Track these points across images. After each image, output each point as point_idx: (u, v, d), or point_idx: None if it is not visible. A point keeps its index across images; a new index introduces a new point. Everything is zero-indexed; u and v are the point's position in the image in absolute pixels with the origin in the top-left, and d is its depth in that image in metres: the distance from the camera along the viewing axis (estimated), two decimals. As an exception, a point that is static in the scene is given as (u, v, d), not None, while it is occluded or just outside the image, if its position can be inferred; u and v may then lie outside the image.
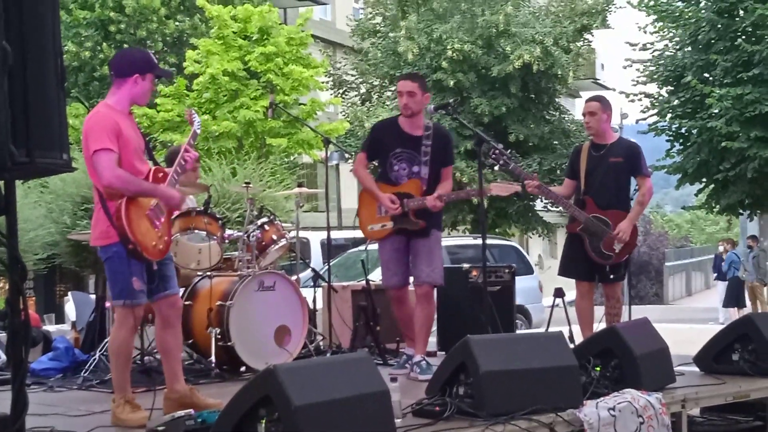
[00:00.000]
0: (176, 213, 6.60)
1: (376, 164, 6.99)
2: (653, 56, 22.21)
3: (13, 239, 3.31)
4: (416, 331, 6.72)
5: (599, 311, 7.38)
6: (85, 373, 6.80)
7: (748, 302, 22.11)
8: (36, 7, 3.34)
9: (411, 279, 6.82)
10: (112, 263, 5.08)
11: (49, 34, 3.41)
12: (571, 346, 6.06)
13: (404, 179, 6.64)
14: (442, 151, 6.70)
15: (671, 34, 22.09)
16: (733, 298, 22.15)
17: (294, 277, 7.96)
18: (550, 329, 7.40)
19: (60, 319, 16.23)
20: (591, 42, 27.49)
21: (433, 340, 8.29)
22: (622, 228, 7.21)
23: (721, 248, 24.27)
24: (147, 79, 5.22)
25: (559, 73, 24.22)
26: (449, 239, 17.55)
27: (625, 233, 7.22)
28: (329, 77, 26.06)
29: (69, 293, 12.63)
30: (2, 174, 3.30)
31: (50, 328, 11.57)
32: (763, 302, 22.11)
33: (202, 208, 7.41)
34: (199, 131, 5.56)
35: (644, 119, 22.72)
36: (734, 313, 21.52)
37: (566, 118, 26.43)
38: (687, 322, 19.54)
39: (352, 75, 26.96)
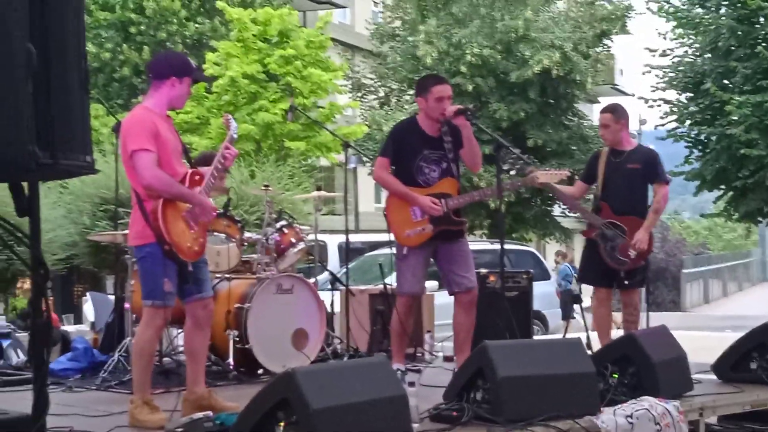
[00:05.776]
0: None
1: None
2: (672, 62, 22.12)
3: (36, 241, 3.32)
4: (462, 339, 6.45)
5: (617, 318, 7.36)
6: (103, 373, 6.84)
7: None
8: (60, 8, 3.36)
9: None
10: (145, 263, 5.13)
11: (74, 36, 3.42)
12: (589, 353, 6.05)
13: (435, 180, 6.41)
14: (458, 145, 6.48)
15: (691, 41, 22.00)
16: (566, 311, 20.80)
17: (312, 281, 7.97)
18: (568, 335, 7.39)
19: (78, 319, 16.28)
20: (610, 48, 27.42)
21: (450, 344, 8.29)
22: (639, 238, 7.16)
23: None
24: (184, 82, 5.29)
25: (578, 78, 24.17)
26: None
27: (642, 242, 7.17)
28: (348, 80, 26.08)
29: (87, 294, 12.65)
30: (26, 175, 3.32)
31: (69, 328, 11.60)
32: None
33: (222, 210, 7.44)
34: (236, 137, 5.57)
35: (663, 125, 22.65)
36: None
37: (585, 124, 26.35)
38: (704, 329, 19.42)
39: (371, 78, 26.96)
